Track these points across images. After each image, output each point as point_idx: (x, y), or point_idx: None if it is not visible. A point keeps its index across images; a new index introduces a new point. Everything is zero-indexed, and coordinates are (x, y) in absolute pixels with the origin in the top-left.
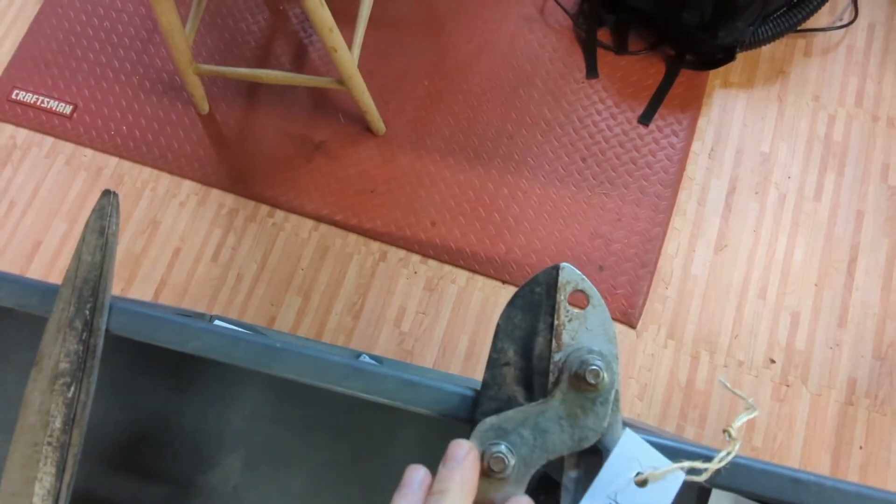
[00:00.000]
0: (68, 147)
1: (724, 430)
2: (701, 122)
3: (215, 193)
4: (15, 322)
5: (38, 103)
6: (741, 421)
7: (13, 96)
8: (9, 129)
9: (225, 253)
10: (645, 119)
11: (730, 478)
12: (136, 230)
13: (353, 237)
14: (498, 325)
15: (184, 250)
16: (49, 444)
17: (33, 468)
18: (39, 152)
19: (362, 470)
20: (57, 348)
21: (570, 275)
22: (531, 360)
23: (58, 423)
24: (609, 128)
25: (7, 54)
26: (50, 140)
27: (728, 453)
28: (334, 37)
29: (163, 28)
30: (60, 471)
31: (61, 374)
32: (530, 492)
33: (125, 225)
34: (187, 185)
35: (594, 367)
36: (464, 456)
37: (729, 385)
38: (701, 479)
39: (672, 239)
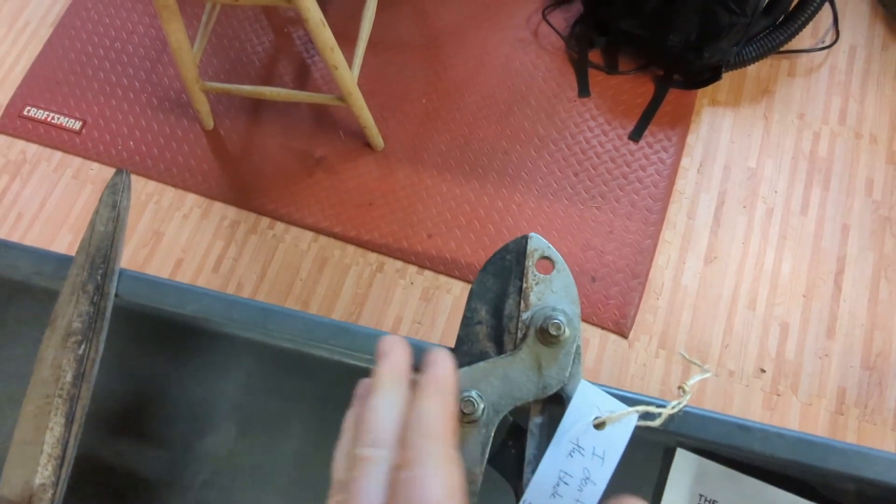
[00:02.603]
0: (76, 161)
1: (679, 387)
2: (690, 139)
3: (218, 206)
4: (27, 299)
5: (49, 119)
6: (695, 380)
7: (25, 112)
8: (20, 144)
9: (226, 264)
10: (635, 136)
11: (683, 425)
12: (140, 242)
13: (351, 248)
14: (472, 289)
15: (186, 261)
16: (60, 396)
17: (45, 418)
18: (48, 166)
19: None
20: (70, 309)
21: (538, 243)
22: (501, 319)
23: (68, 378)
24: (601, 144)
25: (21, 73)
26: (59, 155)
27: (679, 402)
28: (335, 55)
29: (172, 47)
30: (69, 422)
31: (73, 333)
32: (500, 438)
33: (129, 236)
34: (191, 198)
35: (556, 321)
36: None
37: (687, 355)
38: (655, 423)
39: (662, 251)
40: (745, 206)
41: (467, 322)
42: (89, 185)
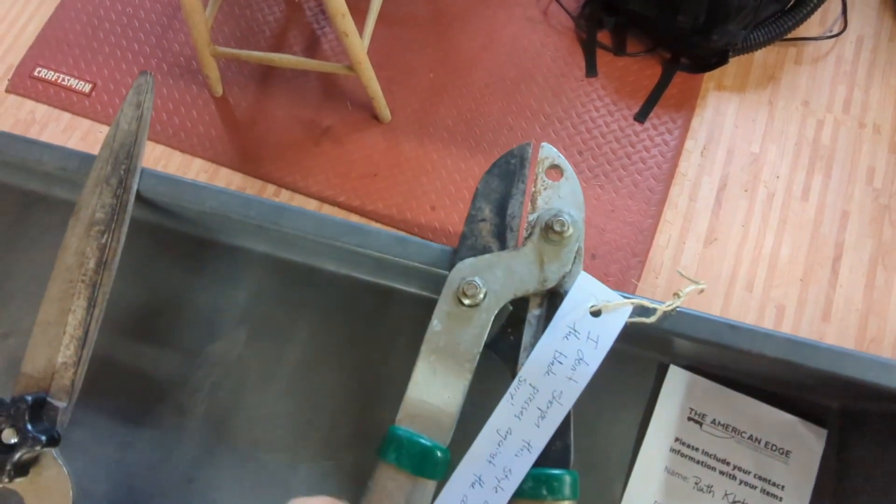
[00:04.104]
0: (85, 123)
1: (675, 294)
2: (694, 122)
3: (224, 172)
4: (47, 208)
5: (59, 81)
6: (689, 289)
7: (35, 73)
8: (29, 104)
9: None
10: (641, 117)
11: (676, 323)
12: None
13: (354, 218)
14: (477, 189)
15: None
16: (83, 281)
17: (68, 301)
18: (57, 127)
19: (355, 345)
20: (94, 200)
21: (549, 152)
22: (504, 218)
23: (91, 264)
24: (606, 124)
25: (32, 34)
26: (68, 116)
27: (672, 303)
28: (346, 22)
29: (185, 10)
30: (91, 306)
31: (96, 223)
32: (499, 325)
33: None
34: (198, 163)
35: (561, 219)
36: None
37: (684, 273)
38: (651, 319)
39: (663, 231)
40: (746, 190)
41: (472, 219)
42: (97, 147)
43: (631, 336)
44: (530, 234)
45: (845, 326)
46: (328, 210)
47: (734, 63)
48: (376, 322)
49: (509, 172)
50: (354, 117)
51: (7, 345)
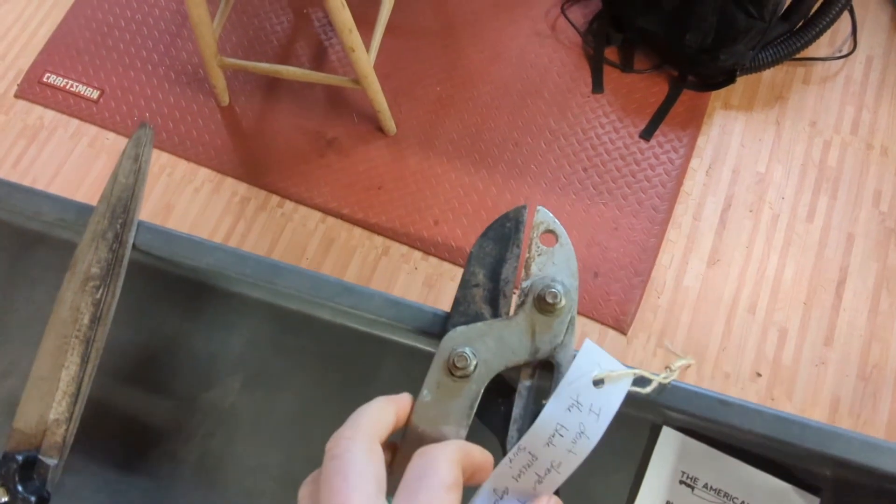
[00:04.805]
0: (92, 130)
1: (666, 367)
2: (700, 141)
3: (229, 182)
4: (48, 246)
5: (68, 87)
6: (679, 363)
7: (44, 79)
8: (38, 109)
9: (234, 240)
10: (646, 134)
11: (670, 398)
12: (151, 213)
13: (358, 231)
14: (471, 252)
15: (195, 235)
16: (76, 337)
17: (61, 357)
18: (65, 133)
19: (349, 395)
20: (90, 255)
21: (544, 216)
22: (498, 283)
23: (86, 320)
24: (611, 141)
25: (42, 39)
26: (75, 122)
27: (668, 375)
28: (353, 37)
29: (192, 20)
30: (85, 362)
31: (92, 278)
32: (489, 396)
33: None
34: (203, 172)
35: (554, 290)
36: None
37: (671, 347)
38: (646, 390)
39: (666, 251)
40: (751, 211)
41: (465, 284)
42: (104, 154)
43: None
44: (523, 303)
45: (848, 352)
46: (331, 222)
47: (741, 82)
48: (370, 373)
49: (504, 236)
50: (360, 129)
51: (5, 385)
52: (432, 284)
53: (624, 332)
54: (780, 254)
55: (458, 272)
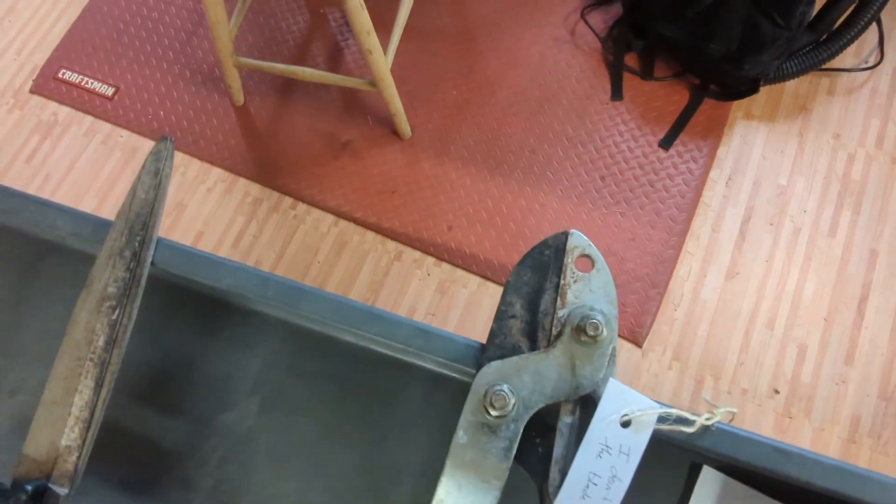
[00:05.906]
0: (106, 127)
1: (709, 407)
2: (721, 151)
3: (242, 182)
4: (61, 257)
5: (83, 83)
6: (722, 410)
7: (60, 75)
8: (52, 105)
9: (246, 240)
10: (666, 143)
11: (717, 443)
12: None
13: (370, 235)
14: (508, 282)
15: (206, 235)
16: (91, 360)
17: (74, 380)
18: (79, 130)
19: (369, 421)
20: (107, 274)
21: (579, 240)
22: (536, 314)
23: (101, 342)
24: (630, 149)
25: (58, 35)
26: (90, 119)
27: (711, 417)
28: (371, 39)
29: (210, 20)
30: (99, 386)
31: (108, 298)
32: (525, 434)
33: None
34: (216, 172)
35: (594, 321)
36: None
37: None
38: (691, 429)
39: (684, 262)
40: (772, 224)
41: (501, 315)
42: (118, 151)
43: (662, 433)
44: (560, 334)
45: (869, 371)
46: (344, 225)
47: (764, 92)
48: (393, 399)
49: (542, 264)
50: (374, 132)
51: (14, 402)
52: (445, 291)
53: (639, 345)
54: (800, 268)
55: (472, 279)
